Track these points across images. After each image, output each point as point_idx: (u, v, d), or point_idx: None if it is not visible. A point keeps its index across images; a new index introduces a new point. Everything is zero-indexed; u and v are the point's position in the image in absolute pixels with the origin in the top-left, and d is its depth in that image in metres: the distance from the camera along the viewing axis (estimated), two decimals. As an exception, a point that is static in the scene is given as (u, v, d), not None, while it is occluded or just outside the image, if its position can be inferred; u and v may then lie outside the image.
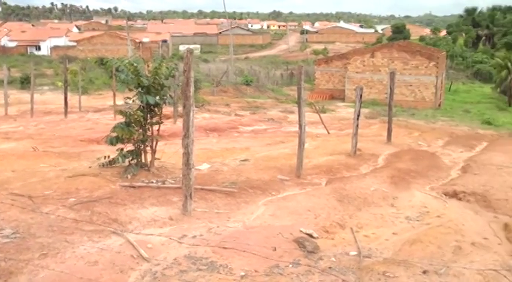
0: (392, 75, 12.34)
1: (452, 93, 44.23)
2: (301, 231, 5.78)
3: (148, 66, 8.70)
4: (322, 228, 6.02)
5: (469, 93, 47.01)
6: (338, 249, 5.44)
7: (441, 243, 5.74)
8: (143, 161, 8.01)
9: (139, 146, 7.94)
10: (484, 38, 75.33)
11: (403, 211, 7.03)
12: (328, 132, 14.51)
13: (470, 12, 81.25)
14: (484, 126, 20.36)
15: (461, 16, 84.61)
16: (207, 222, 5.89)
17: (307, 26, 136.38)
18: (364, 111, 20.47)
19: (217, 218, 6.09)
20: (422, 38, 76.35)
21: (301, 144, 8.42)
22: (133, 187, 7.02)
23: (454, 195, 8.02)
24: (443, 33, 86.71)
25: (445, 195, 8.07)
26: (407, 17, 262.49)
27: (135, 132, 7.77)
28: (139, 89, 7.76)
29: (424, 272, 4.83)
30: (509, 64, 44.04)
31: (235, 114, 19.50)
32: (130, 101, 7.94)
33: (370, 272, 4.79)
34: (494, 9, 79.27)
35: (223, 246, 5.10)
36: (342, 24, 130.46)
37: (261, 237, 5.44)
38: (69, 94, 18.31)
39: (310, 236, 5.70)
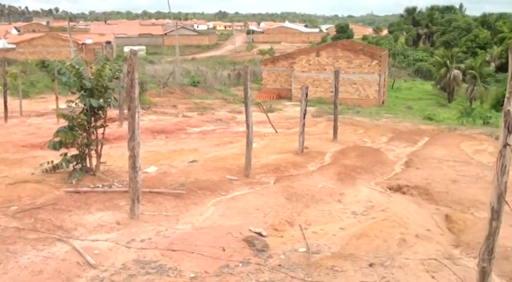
0: (336, 73, 12.58)
1: (395, 90, 45.58)
2: (250, 230, 5.81)
3: (91, 68, 8.51)
4: (271, 226, 6.08)
5: (410, 90, 48.57)
6: (287, 247, 5.51)
7: (386, 237, 5.90)
8: (88, 165, 7.84)
9: (84, 150, 7.76)
10: (424, 36, 78.00)
11: (350, 206, 7.18)
12: (276, 131, 14.64)
13: (411, 11, 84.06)
14: (425, 122, 21.05)
15: (402, 16, 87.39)
16: (155, 226, 5.83)
17: (253, 26, 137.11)
18: (310, 109, 20.80)
19: (166, 221, 6.03)
20: (365, 37, 78.23)
21: (249, 143, 8.46)
22: (78, 192, 6.86)
23: (398, 189, 8.27)
24: (385, 32, 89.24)
25: (390, 189, 8.31)
26: (350, 16, 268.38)
27: (79, 136, 7.59)
28: (82, 92, 7.58)
29: (371, 265, 4.96)
30: (447, 62, 45.84)
31: (183, 116, 19.35)
32: (73, 105, 7.74)
33: (318, 268, 4.88)
34: (432, 9, 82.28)
35: (172, 249, 5.07)
36: (287, 24, 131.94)
37: (211, 237, 5.44)
38: (9, 98, 17.64)
39: (260, 234, 5.75)
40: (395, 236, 5.96)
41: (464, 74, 44.88)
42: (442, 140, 13.94)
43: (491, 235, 3.30)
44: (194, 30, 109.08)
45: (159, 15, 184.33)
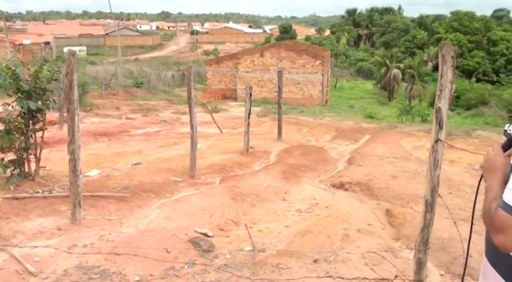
0: (280, 74, 12.72)
1: (338, 90, 46.55)
2: (196, 231, 5.79)
3: (29, 69, 8.22)
4: (217, 226, 6.08)
5: (352, 89, 49.77)
6: (233, 246, 5.53)
7: (330, 233, 6.03)
8: (27, 170, 7.57)
9: (22, 155, 7.48)
10: (364, 37, 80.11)
11: (295, 204, 7.28)
12: (221, 132, 14.64)
13: (351, 13, 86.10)
14: (367, 120, 21.61)
15: (343, 17, 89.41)
16: (98, 230, 5.71)
17: (197, 27, 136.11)
18: (255, 109, 20.90)
19: (109, 225, 5.92)
20: (308, 38, 79.43)
21: (193, 144, 8.43)
22: (16, 199, 6.61)
23: (341, 186, 8.45)
24: (328, 33, 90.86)
25: (333, 186, 8.48)
26: (293, 17, 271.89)
27: (16, 140, 7.32)
28: (19, 94, 7.31)
29: (315, 261, 5.06)
30: (387, 62, 47.26)
31: (126, 118, 19.02)
32: (9, 108, 7.47)
33: (264, 266, 4.93)
34: (372, 10, 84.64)
35: (116, 253, 4.98)
36: (231, 24, 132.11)
37: (155, 240, 5.38)
38: None
39: (206, 235, 5.74)
40: (339, 232, 6.10)
41: (403, 73, 46.40)
42: (382, 138, 14.35)
43: (426, 227, 3.44)
44: (137, 30, 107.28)
45: (100, 15, 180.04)
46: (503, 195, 1.70)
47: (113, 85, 33.95)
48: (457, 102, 33.63)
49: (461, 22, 63.37)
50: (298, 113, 24.30)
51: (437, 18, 76.26)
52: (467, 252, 2.21)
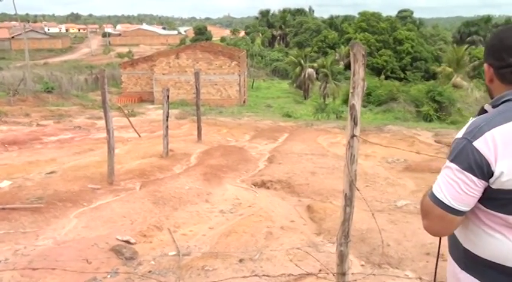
0: (197, 75, 12.65)
1: (255, 90, 47.09)
2: (117, 239, 5.63)
3: None
4: (139, 233, 5.94)
5: (269, 89, 50.52)
6: (157, 252, 5.43)
7: (254, 231, 6.07)
8: None
9: None
10: (278, 37, 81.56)
11: (218, 205, 7.28)
12: (140, 136, 14.32)
13: (264, 14, 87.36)
14: (284, 119, 22.00)
15: (257, 18, 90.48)
16: (12, 244, 5.40)
17: (109, 29, 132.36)
18: (174, 112, 20.68)
19: (24, 238, 5.61)
20: (223, 39, 79.68)
21: (110, 149, 8.18)
22: None
23: (263, 184, 8.55)
24: (242, 34, 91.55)
25: (255, 185, 8.56)
26: (207, 18, 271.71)
27: None
28: None
29: (240, 261, 5.07)
30: (302, 61, 48.44)
31: (37, 125, 18.11)
32: None
33: (189, 269, 4.87)
34: (284, 11, 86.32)
35: (33, 268, 4.73)
36: (145, 26, 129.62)
37: (75, 251, 5.16)
38: None
39: (128, 242, 5.59)
40: (262, 230, 6.16)
41: (317, 72, 47.76)
42: (300, 135, 14.66)
43: (346, 220, 3.54)
44: (45, 33, 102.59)
45: (4, 17, 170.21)
46: (433, 186, 1.83)
47: (22, 91, 32.15)
48: (369, 99, 35.05)
49: (369, 22, 66.17)
50: (217, 113, 24.28)
51: (346, 18, 78.99)
52: (437, 259, 2.36)
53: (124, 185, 8.10)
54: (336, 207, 7.11)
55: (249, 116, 23.02)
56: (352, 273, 4.92)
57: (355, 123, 3.19)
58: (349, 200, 3.45)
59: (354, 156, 3.33)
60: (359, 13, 70.61)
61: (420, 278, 4.80)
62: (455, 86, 38.26)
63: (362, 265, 5.23)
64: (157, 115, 22.49)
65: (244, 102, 34.28)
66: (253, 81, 49.63)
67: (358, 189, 3.55)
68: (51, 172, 8.97)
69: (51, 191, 7.43)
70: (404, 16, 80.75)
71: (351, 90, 3.17)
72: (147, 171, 9.09)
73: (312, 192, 7.98)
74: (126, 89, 34.92)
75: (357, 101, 3.15)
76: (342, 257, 3.62)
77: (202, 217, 6.74)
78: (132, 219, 6.37)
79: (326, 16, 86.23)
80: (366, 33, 64.79)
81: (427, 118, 23.98)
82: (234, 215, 6.85)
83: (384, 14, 70.51)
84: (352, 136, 3.19)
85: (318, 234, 6.23)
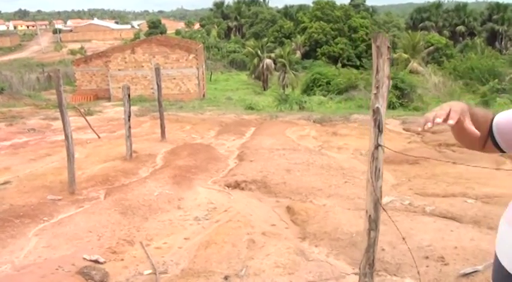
0: (157, 71, 12.00)
1: (214, 82, 46.43)
2: (84, 258, 5.03)
3: None
4: (108, 249, 5.35)
5: (228, 81, 49.97)
6: (130, 271, 4.87)
7: (235, 240, 5.58)
8: None
9: None
10: (234, 29, 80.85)
11: (191, 212, 6.74)
12: (99, 137, 13.52)
13: (219, 5, 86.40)
14: (247, 112, 21.47)
15: (211, 9, 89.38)
16: (-38, 273, 4.74)
17: (59, 25, 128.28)
18: (133, 109, 19.76)
19: (-24, 264, 4.95)
20: (178, 32, 78.29)
21: (70, 156, 7.49)
22: None
23: (237, 185, 8.05)
24: (197, 26, 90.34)
25: (228, 187, 8.05)
26: (160, 11, 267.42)
27: None
28: None
29: (226, 278, 4.58)
30: (259, 52, 48.08)
31: (-13, 129, 17.01)
32: None
33: (170, 291, 4.35)
34: (239, 2, 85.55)
35: (-12, 301, 4.11)
36: (96, 21, 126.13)
37: (37, 277, 4.54)
38: None
39: (96, 262, 5.00)
40: (243, 238, 5.67)
41: (275, 63, 47.51)
42: (267, 129, 14.20)
43: (371, 246, 3.09)
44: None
45: None
46: None
47: (-32, 93, 30.51)
48: (328, 87, 35.00)
49: (324, 11, 66.21)
50: (178, 109, 23.53)
51: (301, 8, 78.87)
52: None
53: (87, 194, 7.44)
54: (318, 208, 6.71)
55: (211, 110, 22.40)
56: (348, 284, 4.53)
57: (379, 131, 2.72)
58: (374, 223, 2.98)
59: (379, 170, 2.85)
60: (313, 2, 70.54)
61: (423, 286, 4.43)
62: (413, 72, 38.69)
63: (357, 273, 4.81)
64: (116, 113, 21.63)
65: (203, 95, 33.58)
66: (211, 74, 48.91)
67: (385, 210, 3.09)
68: (5, 183, 8.20)
69: (6, 205, 6.72)
70: (357, 4, 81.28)
71: (374, 91, 2.69)
72: (110, 177, 8.43)
73: (290, 192, 7.53)
74: (81, 86, 33.62)
75: (381, 103, 2.68)
76: (367, 290, 3.13)
77: (176, 226, 6.20)
78: (99, 233, 5.76)
79: (281, 6, 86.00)
80: (321, 21, 64.84)
81: (390, 105, 23.94)
82: (210, 222, 6.33)
83: (338, 3, 70.74)
84: (377, 146, 2.72)
85: (302, 239, 5.80)
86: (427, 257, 4.82)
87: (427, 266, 4.68)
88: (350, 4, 77.39)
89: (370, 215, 2.94)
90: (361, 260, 3.15)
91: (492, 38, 71.55)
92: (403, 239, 3.49)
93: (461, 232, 5.37)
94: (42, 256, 5.11)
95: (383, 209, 3.07)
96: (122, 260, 5.16)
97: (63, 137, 7.85)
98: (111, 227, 5.98)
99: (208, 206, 7.00)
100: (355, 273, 4.85)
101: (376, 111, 2.68)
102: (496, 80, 28.94)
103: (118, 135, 13.22)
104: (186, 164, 9.35)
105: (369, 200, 2.98)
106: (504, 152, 1.61)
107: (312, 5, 72.63)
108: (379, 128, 2.71)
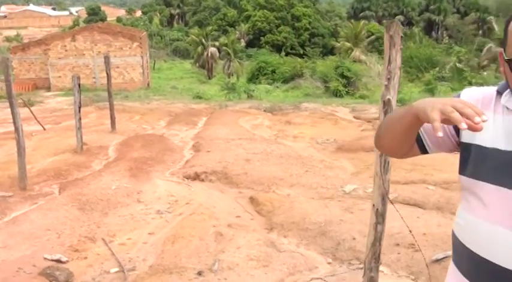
0: (107, 59, 11.60)
1: (157, 71, 45.57)
2: (46, 258, 4.76)
3: None
4: (70, 247, 5.08)
5: (172, 70, 49.24)
6: (95, 270, 4.66)
7: (201, 234, 5.45)
8: None
9: None
10: (177, 16, 79.51)
11: (152, 205, 6.54)
12: (44, 128, 12.93)
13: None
14: (196, 101, 21.22)
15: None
16: None
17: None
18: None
19: None
20: (119, 19, 76.02)
21: (21, 150, 7.08)
22: None
23: (196, 177, 7.89)
24: (139, 13, 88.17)
25: (187, 178, 7.88)
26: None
27: None
28: None
29: (199, 273, 4.44)
30: (203, 40, 47.53)
31: None
32: None
33: (141, 290, 4.18)
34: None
35: None
36: (32, 7, 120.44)
37: (-4, 281, 4.27)
38: None
39: (59, 261, 4.74)
40: (210, 231, 5.55)
41: (219, 51, 47.15)
42: (219, 119, 14.06)
43: (377, 240, 3.02)
44: None
45: None
46: None
47: None
48: (273, 76, 35.10)
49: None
50: (123, 98, 22.87)
51: (245, -4, 78.58)
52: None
53: (40, 190, 7.07)
54: (283, 198, 6.67)
55: (158, 99, 21.98)
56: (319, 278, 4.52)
57: None
58: (381, 217, 2.91)
59: (388, 163, 2.76)
60: (257, -10, 70.41)
61: (396, 273, 4.47)
62: (356, 61, 39.39)
63: (329, 263, 4.81)
64: (58, 103, 20.88)
65: (148, 85, 32.84)
66: (155, 63, 47.93)
67: (392, 203, 3.03)
68: None
69: (-48, 204, 6.28)
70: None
71: (385, 83, 2.61)
72: (63, 171, 8.06)
73: (251, 182, 7.44)
74: (19, 76, 32.01)
75: (392, 95, 2.59)
76: (372, 284, 3.06)
77: (138, 221, 5.99)
78: (59, 231, 5.46)
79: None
80: (265, 10, 64.84)
81: (337, 94, 24.27)
82: (173, 216, 6.16)
83: (281, -9, 70.93)
84: None
85: (270, 230, 5.75)
86: (398, 244, 4.87)
87: (399, 253, 4.73)
88: (293, -7, 77.75)
89: (377, 209, 2.88)
90: (366, 254, 3.10)
91: (429, 28, 73.84)
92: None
93: (427, 218, 5.47)
94: (0, 258, 4.79)
95: (390, 202, 3.01)
96: (86, 258, 4.93)
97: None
98: (70, 223, 5.69)
99: (169, 198, 6.81)
100: (329, 263, 4.86)
101: (387, 103, 2.60)
102: (437, 69, 29.89)
103: (64, 127, 12.72)
104: (141, 155, 9.09)
105: (377, 193, 2.91)
106: (427, 152, 1.60)
107: (255, -7, 72.50)
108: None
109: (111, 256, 4.96)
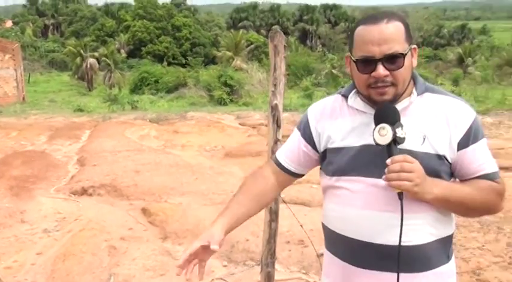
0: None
1: (33, 84, 43.27)
2: None
3: None
4: None
5: (49, 83, 47.01)
6: (-20, 297, 4.39)
7: (93, 249, 5.33)
8: None
9: None
10: (51, 27, 75.91)
11: (38, 224, 6.25)
12: None
13: (33, 1, 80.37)
14: (77, 114, 20.40)
15: (24, 6, 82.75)
16: None
17: None
18: None
19: None
20: (-14, 30, 70.99)
21: None
22: None
23: (84, 192, 7.64)
24: (9, 23, 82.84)
25: (74, 194, 7.61)
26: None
27: None
28: None
29: (95, 289, 4.37)
30: (81, 51, 45.88)
31: None
32: None
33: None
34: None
35: None
36: None
37: None
38: None
39: None
40: (102, 245, 5.45)
41: (99, 62, 45.80)
42: (104, 131, 13.67)
43: (272, 237, 3.17)
44: None
45: None
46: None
47: None
48: (157, 86, 34.85)
49: (146, 9, 65.61)
50: (-4, 114, 21.44)
51: (123, 6, 77.06)
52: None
53: None
54: (175, 206, 6.71)
55: (36, 114, 20.79)
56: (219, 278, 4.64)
57: (278, 126, 2.81)
58: (274, 214, 3.07)
59: None
60: (135, 0, 69.35)
61: (289, 268, 4.72)
62: (237, 69, 40.27)
63: (225, 266, 4.94)
64: None
65: (23, 99, 31.04)
66: (29, 76, 45.36)
67: (284, 201, 3.20)
68: None
69: None
70: (178, 3, 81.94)
71: (272, 89, 2.78)
72: None
73: (142, 193, 7.38)
74: None
75: (279, 100, 2.78)
76: (269, 279, 3.22)
77: (24, 242, 5.70)
78: None
79: (101, 3, 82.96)
80: (145, 20, 64.17)
81: (221, 102, 24.66)
82: (62, 233, 5.94)
83: (160, 2, 70.59)
84: (276, 141, 2.80)
85: (164, 239, 5.76)
86: (288, 242, 5.14)
87: (290, 250, 5.00)
88: (171, 3, 77.67)
89: (271, 207, 3.05)
90: (262, 250, 3.25)
91: (303, 37, 77.68)
92: (301, 226, 3.67)
93: (314, 215, 5.80)
94: None
95: (283, 201, 3.21)
96: (-33, 286, 4.61)
97: None
98: None
99: (56, 216, 6.55)
100: (224, 266, 4.99)
101: (274, 108, 2.80)
102: (314, 75, 31.51)
103: None
104: (22, 173, 8.61)
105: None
106: (300, 176, 1.98)
107: (133, 3, 71.33)
108: (277, 123, 2.82)
109: (-3, 281, 4.68)
